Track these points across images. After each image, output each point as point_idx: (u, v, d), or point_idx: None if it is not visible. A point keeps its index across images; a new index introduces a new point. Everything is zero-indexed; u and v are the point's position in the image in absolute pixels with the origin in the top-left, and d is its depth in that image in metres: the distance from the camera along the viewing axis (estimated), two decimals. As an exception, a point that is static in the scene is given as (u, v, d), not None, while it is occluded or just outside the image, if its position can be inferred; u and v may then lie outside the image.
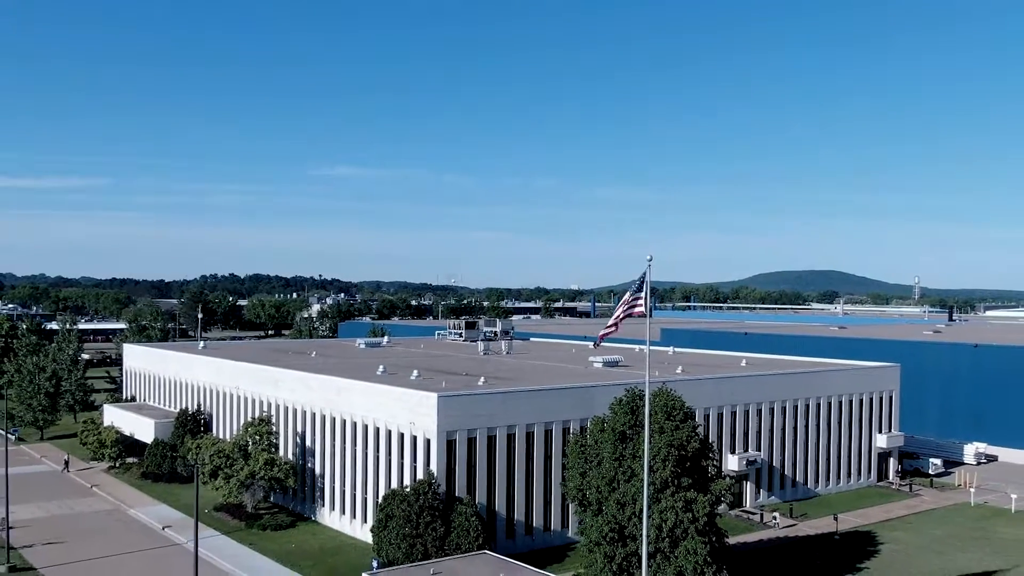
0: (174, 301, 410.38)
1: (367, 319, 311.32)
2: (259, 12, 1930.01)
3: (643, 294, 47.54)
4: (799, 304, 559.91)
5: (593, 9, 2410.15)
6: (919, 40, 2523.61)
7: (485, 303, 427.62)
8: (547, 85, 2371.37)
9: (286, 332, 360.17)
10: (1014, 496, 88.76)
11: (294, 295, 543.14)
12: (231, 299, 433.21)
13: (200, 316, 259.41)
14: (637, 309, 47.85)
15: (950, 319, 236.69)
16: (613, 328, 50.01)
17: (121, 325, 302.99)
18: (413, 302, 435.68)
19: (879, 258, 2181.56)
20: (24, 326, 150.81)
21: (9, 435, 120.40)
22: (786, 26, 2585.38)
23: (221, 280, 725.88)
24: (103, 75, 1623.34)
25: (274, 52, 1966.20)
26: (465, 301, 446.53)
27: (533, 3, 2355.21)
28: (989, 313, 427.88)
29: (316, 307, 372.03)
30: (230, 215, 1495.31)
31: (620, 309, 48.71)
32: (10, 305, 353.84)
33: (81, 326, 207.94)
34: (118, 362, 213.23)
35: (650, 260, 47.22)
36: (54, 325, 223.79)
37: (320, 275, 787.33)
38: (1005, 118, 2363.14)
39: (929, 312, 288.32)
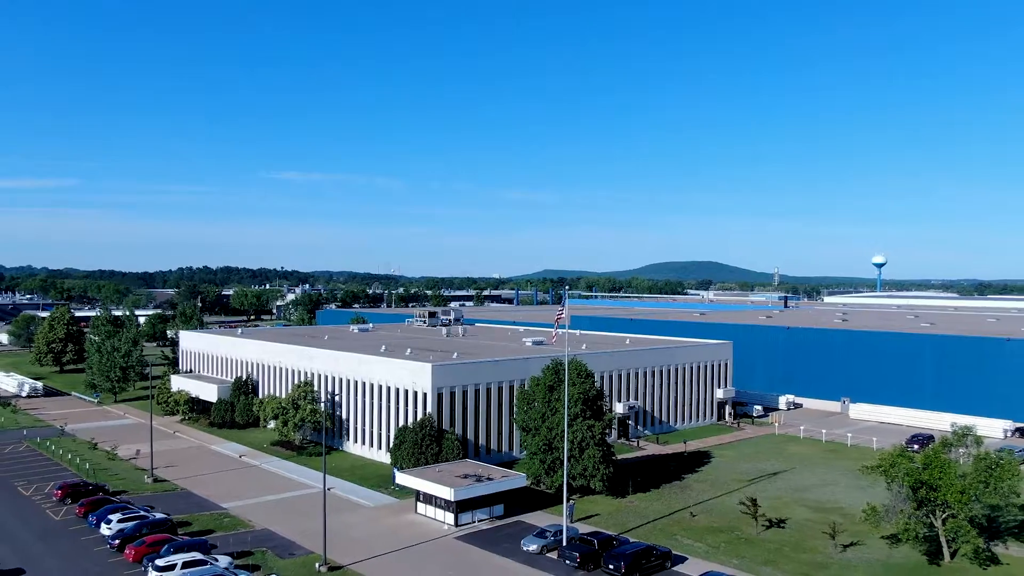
0: (169, 291, 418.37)
1: (333, 306, 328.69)
2: (202, 22, 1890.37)
3: (564, 308, 70.80)
4: (679, 292, 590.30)
5: (490, 20, 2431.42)
6: (795, 50, 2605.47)
7: (428, 292, 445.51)
8: (460, 97, 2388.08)
9: (265, 316, 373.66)
10: (802, 428, 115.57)
11: (266, 285, 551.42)
12: (216, 289, 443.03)
13: (198, 304, 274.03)
14: (561, 318, 71.41)
15: (785, 306, 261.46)
16: (554, 334, 77.79)
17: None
18: (369, 291, 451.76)
19: (748, 250, 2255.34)
20: (98, 314, 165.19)
21: (91, 399, 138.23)
22: (675, 33, 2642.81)
23: (197, 272, 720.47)
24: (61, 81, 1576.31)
25: (228, 67, 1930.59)
26: (414, 290, 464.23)
27: (451, 13, 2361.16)
28: (828, 299, 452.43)
29: (289, 296, 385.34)
30: (192, 213, 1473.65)
31: (555, 319, 72.50)
32: (28, 296, 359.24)
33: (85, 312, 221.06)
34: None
35: (567, 288, 70.56)
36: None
37: (282, 267, 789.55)
38: (860, 129, 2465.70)
39: (776, 299, 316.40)
